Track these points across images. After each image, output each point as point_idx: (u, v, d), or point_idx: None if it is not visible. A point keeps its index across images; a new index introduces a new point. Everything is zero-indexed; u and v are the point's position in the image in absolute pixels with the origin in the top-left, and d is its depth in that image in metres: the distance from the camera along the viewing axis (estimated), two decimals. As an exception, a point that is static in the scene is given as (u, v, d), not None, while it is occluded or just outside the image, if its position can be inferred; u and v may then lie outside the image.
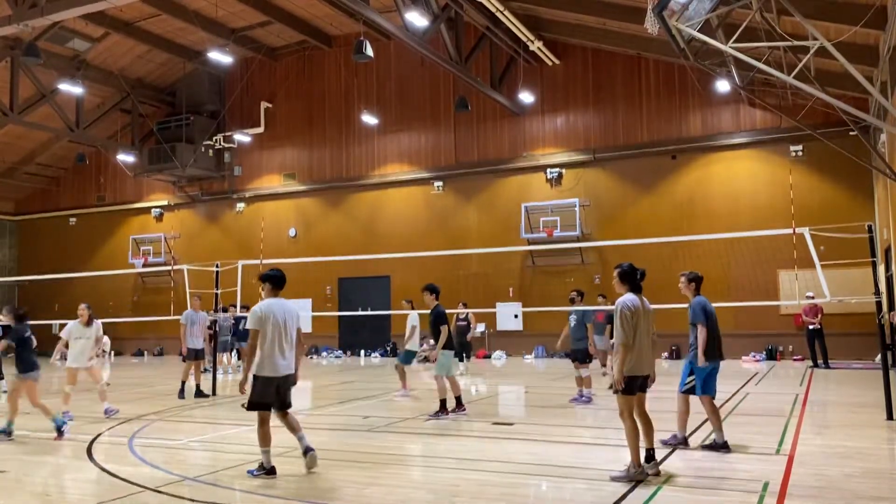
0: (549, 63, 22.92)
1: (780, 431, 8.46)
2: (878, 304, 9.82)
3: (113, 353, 28.53)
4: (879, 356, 10.30)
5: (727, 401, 11.33)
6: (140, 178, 28.87)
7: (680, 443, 7.72)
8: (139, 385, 16.18)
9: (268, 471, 6.53)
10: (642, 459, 6.24)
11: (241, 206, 28.03)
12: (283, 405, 6.69)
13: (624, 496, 5.70)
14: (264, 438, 6.57)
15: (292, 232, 26.78)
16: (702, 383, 7.71)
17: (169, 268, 25.51)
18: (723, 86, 19.86)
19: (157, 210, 29.57)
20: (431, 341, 22.33)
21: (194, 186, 29.05)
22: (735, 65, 15.34)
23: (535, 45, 21.40)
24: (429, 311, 10.43)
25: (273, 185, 27.57)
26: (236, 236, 27.58)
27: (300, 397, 14.43)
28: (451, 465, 7.01)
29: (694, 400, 7.78)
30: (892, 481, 6.25)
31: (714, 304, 8.13)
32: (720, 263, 20.07)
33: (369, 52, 17.66)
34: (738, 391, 12.68)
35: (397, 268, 23.73)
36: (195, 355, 13.45)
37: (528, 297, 22.60)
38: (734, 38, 11.78)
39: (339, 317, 25.09)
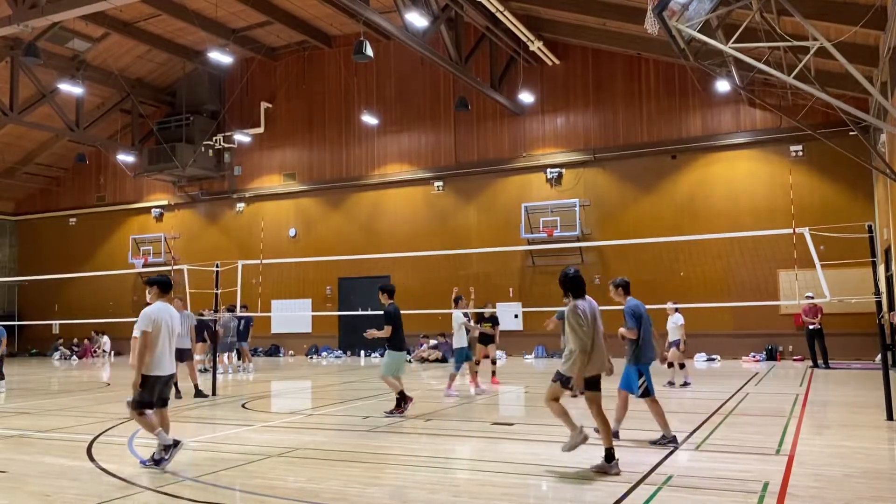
0: (549, 63, 22.92)
1: (780, 431, 8.46)
2: (878, 304, 9.82)
3: (113, 353, 28.55)
4: (879, 356, 10.30)
5: (727, 401, 11.34)
6: (140, 178, 28.88)
7: (670, 441, 7.77)
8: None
9: (171, 445, 6.92)
10: (602, 460, 6.50)
11: (241, 206, 28.04)
12: (165, 402, 7.22)
13: (624, 496, 5.71)
14: (151, 426, 6.97)
15: (292, 232, 26.78)
16: (637, 382, 7.96)
17: (169, 268, 25.52)
18: (723, 86, 19.87)
19: (157, 210, 29.58)
20: (432, 341, 22.46)
21: (194, 186, 29.06)
22: (735, 65, 15.34)
23: (535, 46, 21.41)
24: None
25: (273, 185, 27.58)
26: (236, 236, 27.58)
27: (301, 398, 14.47)
28: (451, 465, 7.01)
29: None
30: (892, 481, 6.25)
31: (714, 304, 8.16)
32: (720, 263, 20.10)
33: (369, 52, 17.67)
34: (738, 391, 12.68)
35: (397, 268, 23.73)
36: (179, 356, 13.45)
37: (528, 297, 22.60)
38: (734, 38, 11.78)
39: (339, 317, 25.09)
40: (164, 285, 7.35)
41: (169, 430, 7.16)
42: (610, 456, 6.50)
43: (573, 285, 6.85)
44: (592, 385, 6.74)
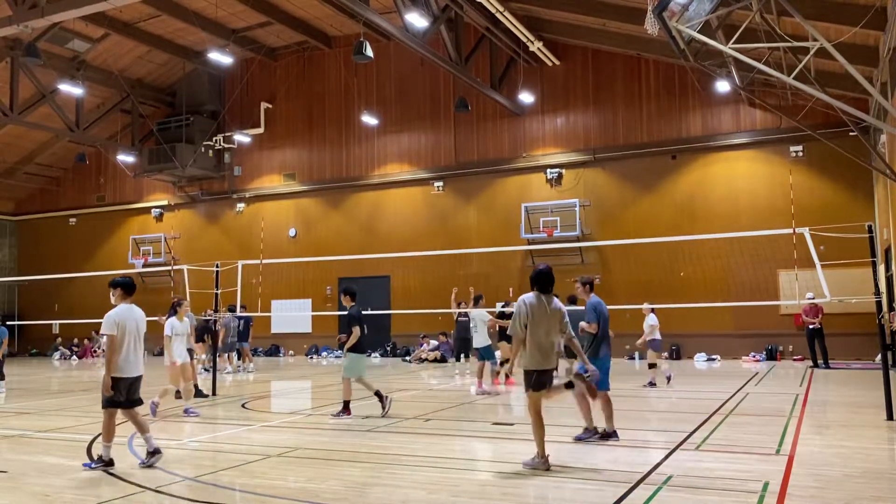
0: (549, 63, 22.93)
1: (780, 431, 8.46)
2: (878, 304, 9.82)
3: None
4: (879, 356, 10.30)
5: (727, 401, 11.34)
6: (140, 178, 28.89)
7: (593, 434, 8.03)
8: (139, 385, 16.16)
9: (106, 462, 6.92)
10: (537, 456, 6.72)
11: (241, 206, 28.04)
12: (133, 402, 7.16)
13: (624, 496, 5.71)
14: (109, 433, 7.02)
15: (292, 232, 26.79)
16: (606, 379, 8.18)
17: (169, 268, 25.54)
18: (723, 86, 19.87)
19: (157, 210, 29.59)
20: (433, 342, 22.46)
21: (194, 186, 29.06)
22: (735, 65, 15.33)
23: (535, 46, 21.41)
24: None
25: (273, 185, 27.58)
26: (236, 236, 27.59)
27: (302, 397, 14.47)
28: (451, 465, 7.01)
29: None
30: (892, 481, 6.25)
31: (714, 304, 8.22)
32: (720, 263, 20.10)
33: (369, 52, 17.67)
34: (738, 391, 12.68)
35: (397, 268, 23.75)
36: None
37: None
38: (734, 38, 11.79)
39: (339, 317, 25.08)
40: (127, 287, 7.30)
41: (147, 430, 7.12)
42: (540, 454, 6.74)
43: (536, 279, 6.96)
44: (538, 384, 6.78)
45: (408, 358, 22.59)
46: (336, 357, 24.66)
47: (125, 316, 7.07)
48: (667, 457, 7.14)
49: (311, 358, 24.80)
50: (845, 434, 8.50)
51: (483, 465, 6.95)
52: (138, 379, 7.18)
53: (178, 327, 10.88)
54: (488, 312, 14.29)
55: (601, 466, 6.85)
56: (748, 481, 6.07)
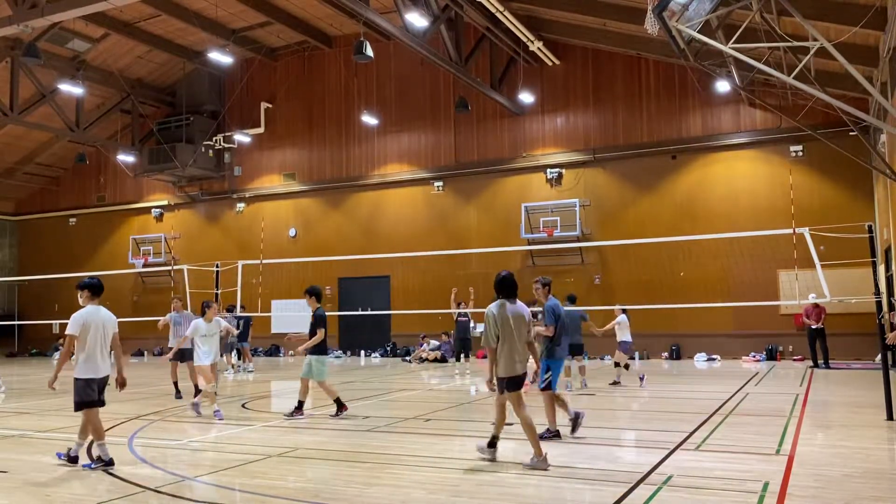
0: (549, 63, 22.92)
1: (780, 431, 8.46)
2: (878, 304, 9.82)
3: (112, 353, 28.54)
4: (879, 356, 10.30)
5: (727, 401, 11.34)
6: (140, 178, 28.89)
7: (553, 435, 8.17)
8: (139, 385, 16.17)
9: (106, 462, 6.94)
10: (486, 444, 7.04)
11: (241, 206, 28.04)
12: (98, 404, 7.23)
13: (624, 496, 5.71)
14: (99, 432, 7.07)
15: (292, 232, 26.79)
16: (544, 375, 8.36)
17: (169, 268, 25.54)
18: (723, 86, 19.86)
19: (157, 210, 29.59)
20: (433, 342, 22.46)
21: (194, 186, 29.06)
22: (735, 65, 15.34)
23: (535, 46, 21.40)
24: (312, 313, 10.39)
25: (273, 185, 27.58)
26: (236, 236, 27.59)
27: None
28: (451, 465, 7.01)
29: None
30: (892, 481, 6.25)
31: (714, 304, 8.23)
32: (720, 263, 20.12)
33: (369, 52, 17.67)
34: (738, 391, 12.68)
35: (397, 268, 23.75)
36: (179, 356, 13.46)
37: (529, 297, 22.53)
38: (734, 38, 11.79)
39: (339, 317, 25.09)
40: (94, 288, 7.30)
41: (102, 434, 7.18)
42: (492, 443, 7.09)
43: (499, 287, 7.25)
44: (513, 385, 6.99)
45: (408, 358, 22.58)
46: (336, 357, 24.65)
47: (91, 317, 7.10)
48: (667, 457, 7.14)
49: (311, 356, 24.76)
50: (845, 434, 8.50)
51: (483, 465, 6.95)
52: (105, 379, 7.27)
53: (202, 328, 10.78)
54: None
55: (601, 466, 6.85)
56: (748, 481, 6.07)
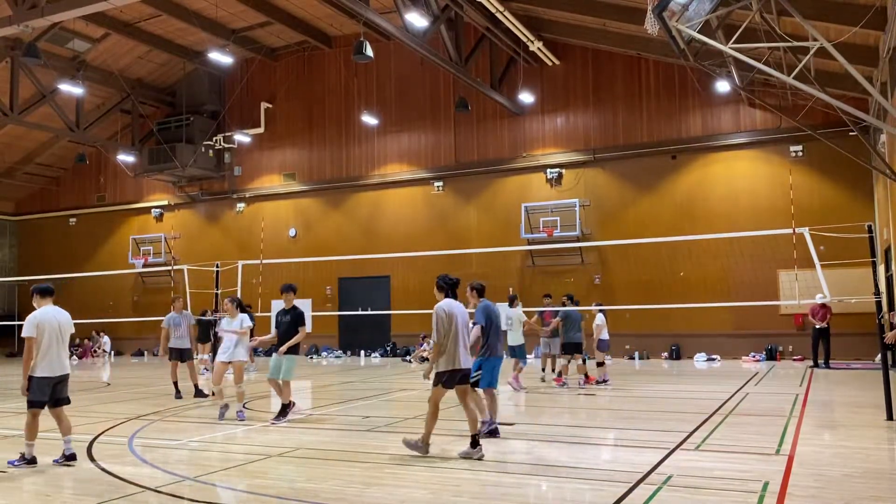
0: (549, 63, 22.92)
1: (780, 431, 8.46)
2: (878, 304, 9.82)
3: (113, 352, 28.56)
4: (879, 356, 10.30)
5: (727, 401, 11.34)
6: (140, 178, 28.88)
7: (491, 428, 8.38)
8: (139, 385, 16.19)
9: (29, 461, 7.10)
10: (468, 446, 7.25)
11: (241, 206, 28.04)
12: (59, 401, 7.37)
13: (624, 496, 5.71)
14: (31, 432, 7.20)
15: (292, 232, 26.79)
16: (489, 377, 8.64)
17: (169, 268, 25.55)
18: (723, 86, 19.86)
19: (157, 210, 29.59)
20: (433, 342, 22.45)
21: (194, 186, 29.06)
22: (735, 65, 15.34)
23: (535, 46, 21.40)
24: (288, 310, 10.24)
25: (273, 185, 27.58)
26: (236, 236, 27.59)
27: (302, 397, 14.45)
28: (451, 465, 7.01)
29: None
30: (892, 481, 6.25)
31: (714, 304, 8.24)
32: (720, 263, 20.12)
33: (369, 52, 17.66)
34: (738, 391, 12.68)
35: (397, 268, 23.75)
36: (179, 356, 13.46)
37: (528, 297, 22.54)
38: (734, 38, 11.79)
39: (339, 317, 25.10)
40: (44, 291, 7.51)
41: (70, 430, 7.33)
42: (475, 442, 7.25)
43: (450, 286, 7.64)
44: (461, 380, 7.44)
45: (408, 357, 22.58)
46: (336, 357, 24.65)
47: (46, 318, 7.24)
48: (667, 457, 7.14)
49: (311, 358, 24.78)
50: (845, 434, 8.50)
51: (483, 465, 6.95)
52: (64, 378, 7.36)
53: (224, 325, 10.70)
54: (525, 313, 14.31)
55: (601, 466, 6.85)
56: (748, 481, 6.07)
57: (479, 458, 7.11)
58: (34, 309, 7.53)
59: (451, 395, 7.70)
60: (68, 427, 7.34)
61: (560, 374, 14.13)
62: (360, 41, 17.67)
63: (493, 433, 8.34)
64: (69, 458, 7.19)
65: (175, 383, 13.29)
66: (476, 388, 8.42)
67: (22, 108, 24.09)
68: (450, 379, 7.36)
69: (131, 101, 27.73)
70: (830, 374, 15.72)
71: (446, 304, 7.44)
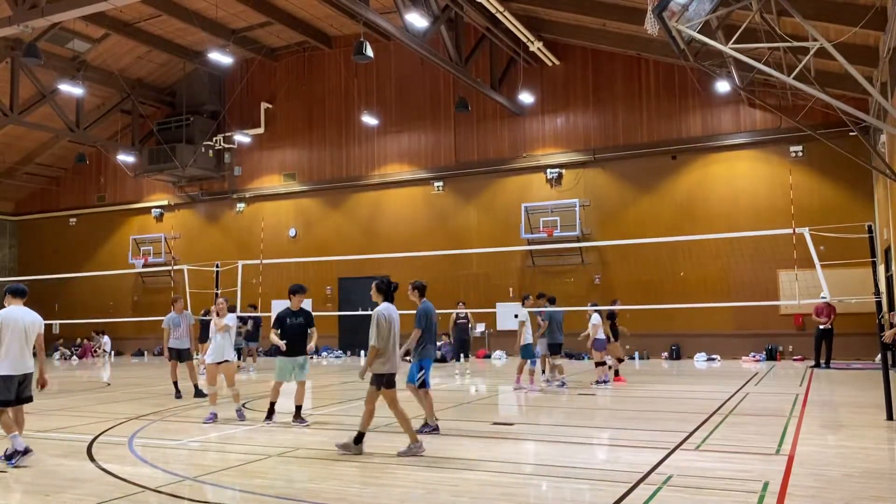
0: (549, 63, 22.92)
1: (780, 431, 8.46)
2: (878, 304, 9.82)
3: (113, 353, 28.55)
4: (879, 356, 10.30)
5: (727, 401, 11.34)
6: (140, 178, 28.88)
7: (433, 429, 8.67)
8: (139, 385, 16.18)
9: (23, 452, 7.20)
10: (352, 440, 7.54)
11: (241, 206, 28.04)
12: (21, 399, 7.50)
13: (624, 496, 5.71)
14: (7, 426, 7.33)
15: (292, 232, 26.78)
16: (417, 374, 8.96)
17: (169, 268, 25.55)
18: (723, 86, 19.86)
19: (157, 210, 29.58)
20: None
21: (194, 186, 29.06)
22: (735, 65, 15.34)
23: (535, 46, 21.41)
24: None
25: (273, 185, 27.58)
26: (236, 236, 27.58)
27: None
28: (452, 465, 7.01)
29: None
30: (892, 481, 6.25)
31: (714, 304, 8.25)
32: (720, 263, 20.11)
33: (369, 52, 17.66)
34: (738, 391, 12.68)
35: (397, 268, 23.70)
36: (178, 356, 13.47)
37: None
38: (734, 38, 11.78)
39: (339, 317, 25.09)
40: (14, 292, 7.71)
41: (22, 428, 7.48)
42: (358, 439, 7.56)
43: (387, 290, 7.79)
44: (390, 383, 7.62)
45: (408, 357, 22.54)
46: (336, 357, 24.66)
47: (9, 317, 7.38)
48: (667, 457, 7.14)
49: (311, 358, 24.76)
50: (845, 434, 8.50)
51: (483, 465, 6.95)
52: (27, 377, 7.48)
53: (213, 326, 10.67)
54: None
55: (601, 466, 6.85)
56: (748, 481, 6.07)
57: (358, 453, 7.45)
58: (33, 308, 7.61)
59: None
60: (21, 425, 7.51)
61: (543, 374, 14.36)
62: (360, 41, 17.67)
63: (434, 430, 8.69)
64: (23, 452, 7.25)
65: (175, 383, 13.32)
66: (425, 388, 8.84)
67: (22, 108, 24.09)
68: (389, 381, 7.55)
69: (131, 101, 27.72)
70: (831, 375, 15.71)
71: (385, 308, 7.62)
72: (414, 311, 9.24)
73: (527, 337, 13.51)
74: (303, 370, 10.10)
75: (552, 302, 14.44)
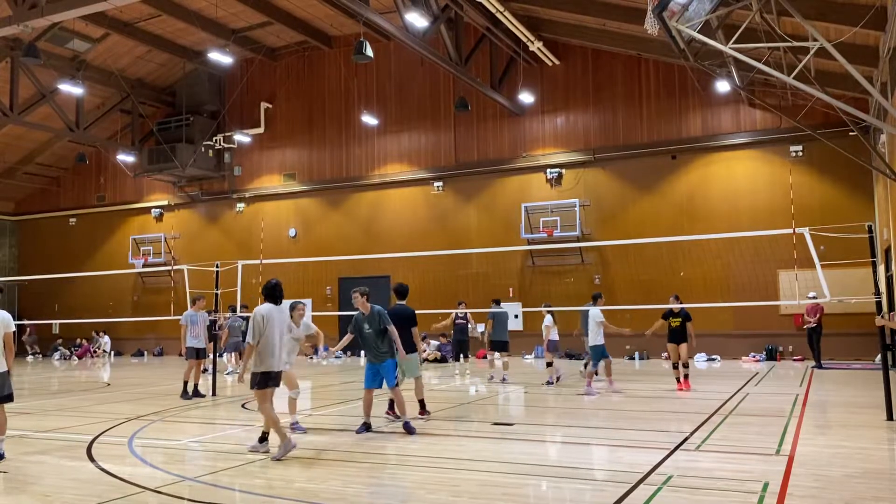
0: (549, 63, 22.92)
1: (780, 431, 8.46)
2: (878, 304, 9.82)
3: (113, 353, 28.55)
4: (879, 356, 10.30)
5: (727, 401, 11.34)
6: (140, 178, 28.89)
7: (368, 428, 8.91)
8: (139, 385, 16.19)
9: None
10: (258, 440, 7.80)
11: (241, 206, 28.04)
12: (2, 399, 7.64)
13: (624, 496, 5.71)
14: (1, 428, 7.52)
15: (292, 232, 26.78)
16: (394, 374, 9.30)
17: (169, 268, 25.54)
18: (723, 86, 19.86)
19: (157, 210, 29.59)
20: (433, 342, 22.45)
21: (194, 186, 29.06)
22: (735, 65, 15.34)
23: (535, 46, 21.40)
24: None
25: (273, 185, 27.58)
26: (236, 236, 27.59)
27: (302, 398, 14.42)
28: (451, 465, 7.01)
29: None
30: (892, 481, 6.25)
31: (714, 304, 8.28)
32: (720, 263, 20.11)
33: (369, 52, 17.66)
34: (738, 391, 12.68)
35: (397, 268, 23.73)
36: (196, 354, 13.44)
37: (528, 297, 22.60)
38: (734, 38, 11.78)
39: (339, 317, 25.08)
40: None
41: (4, 431, 7.59)
42: (263, 438, 7.82)
43: (270, 293, 7.83)
44: (263, 383, 7.62)
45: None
46: (336, 357, 24.65)
47: None
48: (667, 457, 7.14)
49: (311, 358, 24.78)
50: (845, 434, 8.50)
51: (483, 465, 6.95)
52: (3, 374, 7.58)
53: (294, 331, 10.06)
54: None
55: (601, 466, 6.85)
56: (748, 481, 6.07)
57: (265, 452, 7.57)
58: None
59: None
60: (3, 424, 7.58)
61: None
62: (360, 41, 17.67)
63: (369, 428, 8.91)
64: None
65: (185, 383, 13.23)
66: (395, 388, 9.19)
67: (22, 108, 24.09)
68: (263, 380, 7.56)
69: (131, 101, 27.72)
70: (831, 375, 15.71)
71: (265, 308, 7.68)
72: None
73: (596, 338, 13.05)
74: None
75: (497, 303, 15.59)
